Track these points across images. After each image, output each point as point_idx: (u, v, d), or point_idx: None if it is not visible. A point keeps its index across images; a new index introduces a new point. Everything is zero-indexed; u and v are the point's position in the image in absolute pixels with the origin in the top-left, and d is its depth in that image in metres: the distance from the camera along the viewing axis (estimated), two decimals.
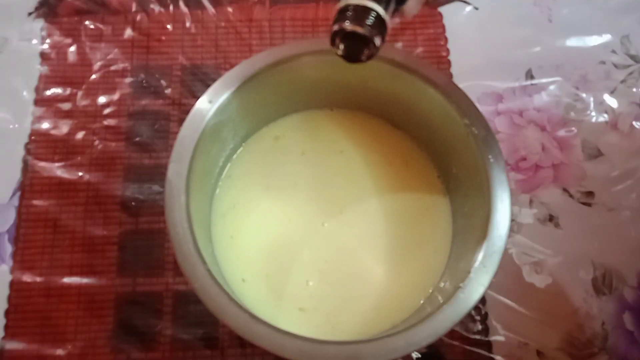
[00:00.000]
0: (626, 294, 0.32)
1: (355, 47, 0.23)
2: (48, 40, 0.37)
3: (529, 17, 0.38)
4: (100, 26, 0.37)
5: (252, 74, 0.27)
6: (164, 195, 0.25)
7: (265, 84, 0.28)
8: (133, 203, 0.33)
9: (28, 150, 0.34)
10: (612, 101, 0.36)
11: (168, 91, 0.36)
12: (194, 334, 0.30)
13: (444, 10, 0.38)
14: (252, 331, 0.23)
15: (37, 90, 0.36)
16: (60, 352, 0.30)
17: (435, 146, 0.30)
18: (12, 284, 0.31)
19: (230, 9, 0.38)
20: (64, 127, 0.35)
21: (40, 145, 0.34)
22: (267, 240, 0.29)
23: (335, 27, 0.22)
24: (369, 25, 0.22)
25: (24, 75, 0.36)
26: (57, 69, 0.36)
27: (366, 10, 0.22)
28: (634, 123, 0.36)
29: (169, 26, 0.38)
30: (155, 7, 0.38)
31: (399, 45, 0.37)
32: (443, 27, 0.38)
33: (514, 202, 0.31)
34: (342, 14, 0.22)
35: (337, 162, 0.31)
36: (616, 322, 0.31)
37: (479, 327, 0.31)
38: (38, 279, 0.31)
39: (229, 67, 0.28)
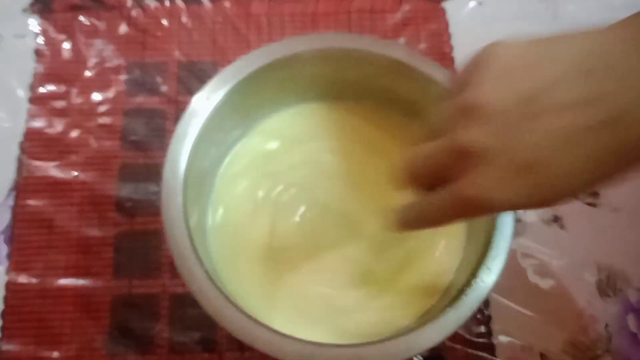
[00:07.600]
0: (630, 296, 0.31)
1: None
2: (42, 37, 0.36)
3: (534, 13, 0.38)
4: (95, 22, 0.37)
5: (250, 70, 0.27)
6: (160, 196, 0.25)
7: (264, 81, 0.28)
8: (129, 203, 0.32)
9: (23, 149, 0.34)
10: None
11: (164, 88, 0.35)
12: (192, 337, 0.30)
13: (448, 5, 0.38)
14: (251, 334, 0.23)
15: (32, 88, 0.35)
16: (55, 354, 0.29)
17: None
18: (8, 285, 0.31)
19: (227, 4, 0.37)
20: (58, 126, 0.34)
21: (35, 144, 0.34)
22: (267, 240, 0.29)
23: None
24: None
25: (19, 72, 0.35)
26: (51, 66, 0.36)
27: None
28: None
29: (165, 22, 0.37)
30: (151, 2, 0.37)
31: (402, 41, 0.37)
32: (446, 22, 0.37)
33: None
34: None
35: (336, 159, 0.31)
36: (620, 324, 0.31)
37: (482, 329, 0.30)
38: (34, 280, 0.31)
39: (226, 64, 0.28)
